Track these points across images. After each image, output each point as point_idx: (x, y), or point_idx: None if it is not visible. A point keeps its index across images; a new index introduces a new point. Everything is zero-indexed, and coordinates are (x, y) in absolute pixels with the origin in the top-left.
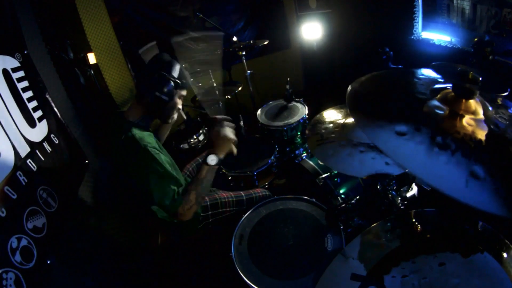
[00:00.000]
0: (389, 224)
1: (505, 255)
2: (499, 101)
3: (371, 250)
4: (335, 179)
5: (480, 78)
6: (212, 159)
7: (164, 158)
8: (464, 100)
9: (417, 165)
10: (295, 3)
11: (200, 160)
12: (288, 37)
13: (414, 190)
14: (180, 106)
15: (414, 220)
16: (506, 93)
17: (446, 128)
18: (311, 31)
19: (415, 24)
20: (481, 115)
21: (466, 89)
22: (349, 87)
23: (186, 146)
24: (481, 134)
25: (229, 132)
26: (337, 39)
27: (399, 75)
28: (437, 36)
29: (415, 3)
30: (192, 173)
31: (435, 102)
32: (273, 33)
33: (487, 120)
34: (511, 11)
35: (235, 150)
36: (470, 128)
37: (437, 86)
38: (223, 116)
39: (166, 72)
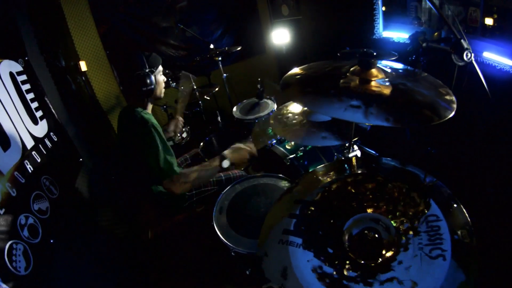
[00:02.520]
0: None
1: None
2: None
3: (313, 184)
4: (301, 161)
5: (374, 53)
6: (226, 163)
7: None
8: (367, 71)
9: (317, 106)
10: (270, 11)
11: (188, 157)
12: (263, 43)
13: (357, 152)
14: (164, 78)
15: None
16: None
17: (361, 90)
18: (281, 36)
19: (375, 25)
20: (381, 76)
21: (366, 61)
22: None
23: (171, 143)
24: (386, 90)
25: (247, 157)
26: (307, 42)
27: (325, 65)
28: (397, 34)
29: (375, 6)
30: (181, 165)
31: (350, 76)
32: (249, 39)
33: (388, 79)
34: (476, 10)
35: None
36: (376, 87)
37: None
38: (252, 147)
39: (139, 68)
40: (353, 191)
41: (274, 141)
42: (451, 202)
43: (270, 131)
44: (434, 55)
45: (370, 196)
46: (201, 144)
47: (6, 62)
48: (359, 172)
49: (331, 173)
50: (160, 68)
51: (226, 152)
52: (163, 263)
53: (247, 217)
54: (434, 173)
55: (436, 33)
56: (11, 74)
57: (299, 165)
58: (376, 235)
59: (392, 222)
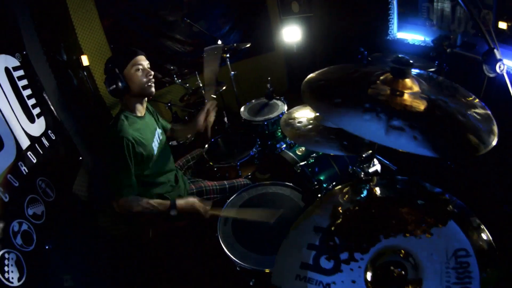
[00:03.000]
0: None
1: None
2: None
3: (334, 209)
4: (314, 168)
5: (411, 61)
6: (173, 212)
7: (136, 151)
8: (400, 80)
9: (351, 125)
10: (279, 8)
11: (189, 157)
12: (272, 40)
13: (377, 166)
14: (149, 72)
15: (373, 184)
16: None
17: (390, 102)
18: (292, 34)
19: (390, 25)
20: (417, 89)
21: (400, 70)
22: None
23: (174, 143)
24: (419, 103)
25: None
26: (318, 41)
27: (353, 68)
28: (412, 36)
29: (390, 6)
30: (182, 167)
31: (380, 85)
32: (258, 36)
33: (423, 92)
34: (488, 12)
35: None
36: (409, 101)
37: (379, 72)
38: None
39: (106, 67)
40: (376, 215)
41: (284, 146)
42: (480, 233)
43: (279, 132)
44: (458, 63)
45: (394, 222)
46: (206, 146)
47: (1, 57)
48: (382, 195)
49: (350, 193)
50: (135, 62)
51: (178, 201)
52: (162, 266)
53: (254, 230)
54: (454, 189)
55: (451, 36)
56: (6, 69)
57: (310, 173)
58: (403, 272)
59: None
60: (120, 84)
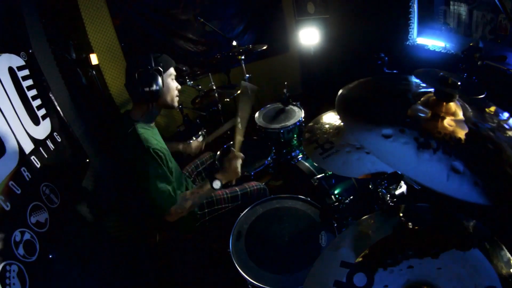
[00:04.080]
0: (379, 216)
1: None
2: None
3: (361, 241)
4: (330, 180)
5: (459, 83)
6: (217, 184)
7: (167, 159)
8: (444, 103)
9: (402, 163)
10: (294, 8)
11: (198, 162)
12: (286, 42)
13: (403, 188)
14: (178, 86)
15: (402, 214)
16: (483, 95)
17: (429, 129)
18: (309, 36)
19: (410, 30)
20: (460, 116)
21: (446, 93)
22: (339, 92)
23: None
24: (461, 133)
25: (239, 167)
26: (334, 44)
27: (386, 81)
28: (432, 41)
29: (410, 9)
30: (191, 173)
31: (419, 106)
32: (272, 37)
33: (467, 120)
34: (507, 17)
35: (234, 182)
36: (450, 128)
37: (420, 90)
38: (240, 154)
39: (143, 67)
40: (402, 246)
41: (301, 156)
42: (510, 270)
43: (295, 141)
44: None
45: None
46: (218, 153)
47: (5, 56)
48: (410, 224)
49: (377, 222)
50: (172, 71)
51: (216, 174)
52: (169, 273)
53: (269, 247)
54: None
55: (472, 43)
56: (10, 69)
57: (327, 186)
58: None
59: None
60: (157, 87)
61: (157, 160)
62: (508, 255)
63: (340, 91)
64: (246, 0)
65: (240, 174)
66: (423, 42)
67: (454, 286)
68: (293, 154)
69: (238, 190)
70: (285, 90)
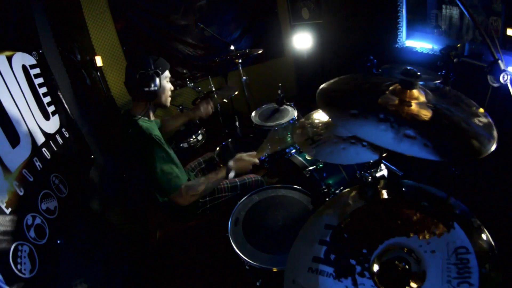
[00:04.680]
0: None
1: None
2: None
3: (342, 208)
4: (322, 173)
5: (419, 73)
6: (232, 175)
7: (167, 147)
8: (408, 91)
9: (368, 135)
10: (289, 14)
11: (201, 160)
12: (282, 46)
13: (384, 171)
14: (171, 87)
15: (380, 187)
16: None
17: (399, 112)
18: (302, 40)
19: (399, 33)
20: (423, 100)
21: (408, 82)
22: (320, 87)
23: (185, 145)
24: (426, 113)
25: (250, 166)
26: (327, 48)
27: (361, 78)
28: (421, 44)
29: (399, 14)
30: (194, 169)
31: (388, 95)
32: (268, 41)
33: (429, 102)
34: (497, 19)
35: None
36: (416, 110)
37: (388, 83)
38: (256, 160)
39: (143, 68)
40: (382, 216)
41: (294, 151)
42: (480, 234)
43: (289, 138)
44: (464, 71)
45: (399, 222)
46: (217, 149)
47: (19, 55)
48: (387, 196)
49: (358, 195)
50: (167, 74)
51: (231, 163)
52: (170, 266)
53: (264, 230)
54: (457, 194)
55: (459, 45)
56: (23, 67)
57: (319, 178)
58: (406, 266)
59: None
60: (155, 88)
61: (161, 145)
62: (478, 222)
63: (321, 86)
64: (243, 6)
65: (248, 170)
66: (411, 44)
67: (429, 247)
68: (287, 150)
69: (237, 181)
70: (279, 91)
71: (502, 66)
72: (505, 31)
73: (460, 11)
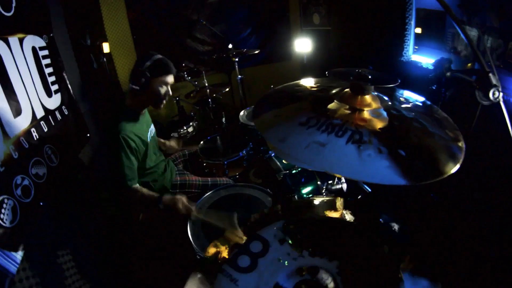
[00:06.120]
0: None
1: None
2: None
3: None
4: (297, 179)
5: (369, 77)
6: (161, 206)
7: (135, 146)
8: (360, 96)
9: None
10: (301, 18)
11: (186, 152)
12: (290, 50)
13: (343, 185)
14: (168, 92)
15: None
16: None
17: (349, 120)
18: (303, 45)
19: (405, 46)
20: (377, 106)
21: (359, 85)
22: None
23: (175, 135)
24: (380, 122)
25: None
26: (333, 55)
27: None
28: (427, 59)
29: (407, 26)
30: (177, 158)
31: (337, 102)
32: (276, 44)
33: (386, 109)
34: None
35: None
36: (369, 118)
37: (336, 89)
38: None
39: (139, 65)
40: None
41: (273, 154)
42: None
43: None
44: (457, 88)
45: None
46: (201, 142)
47: (30, 37)
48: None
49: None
50: (164, 79)
51: (166, 197)
52: (146, 248)
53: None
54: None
55: (469, 64)
56: (33, 48)
57: (291, 183)
58: None
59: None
60: (138, 87)
61: (123, 146)
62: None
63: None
64: (254, 7)
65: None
66: (417, 59)
67: None
68: (269, 152)
69: (209, 180)
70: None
71: (494, 81)
72: None
73: (479, 33)
